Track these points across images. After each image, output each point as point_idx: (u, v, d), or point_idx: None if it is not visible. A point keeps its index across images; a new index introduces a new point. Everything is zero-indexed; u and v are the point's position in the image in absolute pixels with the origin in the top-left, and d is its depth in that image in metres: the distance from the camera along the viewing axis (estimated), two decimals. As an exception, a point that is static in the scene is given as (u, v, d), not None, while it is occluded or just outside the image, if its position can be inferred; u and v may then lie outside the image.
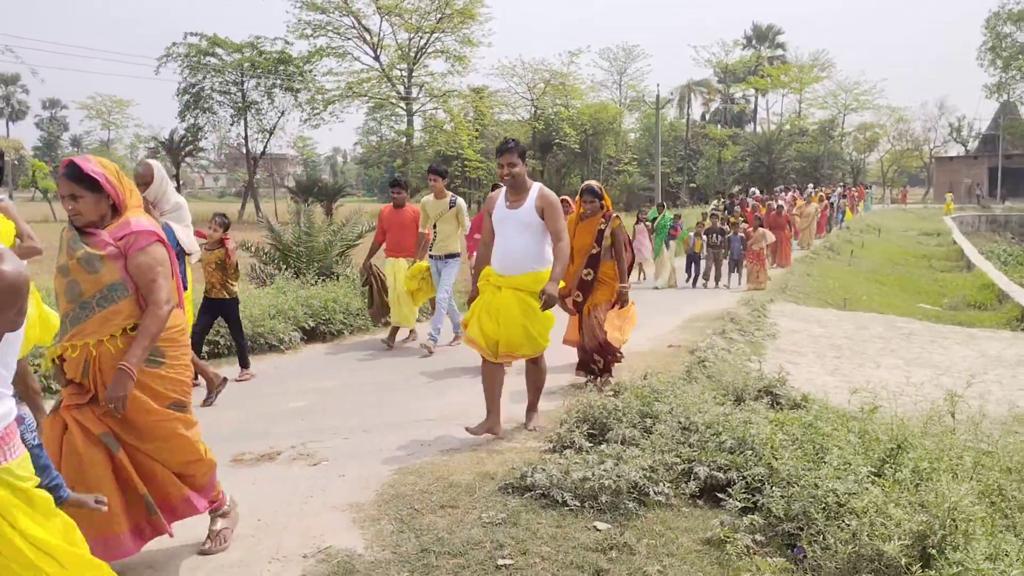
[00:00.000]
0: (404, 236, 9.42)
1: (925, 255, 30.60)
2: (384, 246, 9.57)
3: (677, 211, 21.65)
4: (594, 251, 7.23)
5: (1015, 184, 59.72)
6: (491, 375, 5.67)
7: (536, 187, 5.69)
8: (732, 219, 18.86)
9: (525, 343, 5.58)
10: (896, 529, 3.45)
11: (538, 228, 5.58)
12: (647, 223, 17.76)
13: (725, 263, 17.37)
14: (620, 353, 7.47)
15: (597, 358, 7.30)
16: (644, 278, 17.62)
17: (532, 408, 6.01)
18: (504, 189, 5.79)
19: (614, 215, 7.33)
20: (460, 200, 9.29)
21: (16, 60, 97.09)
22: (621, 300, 7.35)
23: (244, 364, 7.90)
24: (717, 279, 17.16)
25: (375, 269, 9.72)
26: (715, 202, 26.89)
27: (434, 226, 9.30)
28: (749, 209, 22.55)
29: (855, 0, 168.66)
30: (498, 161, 5.68)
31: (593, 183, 7.44)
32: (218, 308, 7.66)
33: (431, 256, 9.29)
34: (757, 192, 30.28)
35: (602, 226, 7.23)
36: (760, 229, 16.93)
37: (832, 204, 31.56)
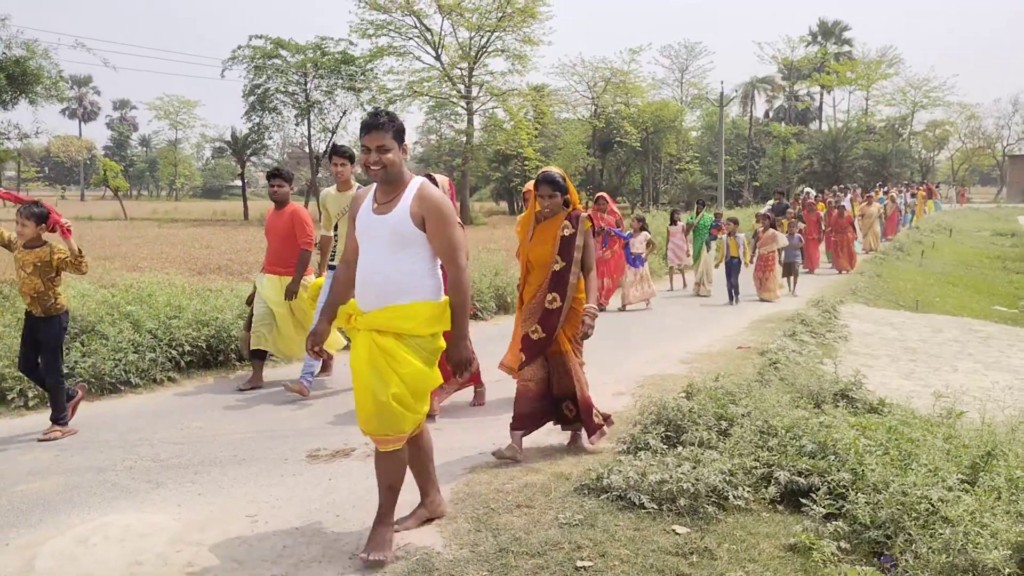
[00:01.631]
0: (283, 246, 7.34)
1: (999, 256, 29.55)
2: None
3: (718, 209, 19.48)
4: (557, 266, 5.23)
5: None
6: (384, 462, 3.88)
7: (415, 182, 3.88)
8: (785, 220, 17.08)
9: (374, 417, 3.72)
10: (993, 540, 3.33)
11: (416, 242, 3.80)
12: (683, 224, 16.05)
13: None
14: (606, 419, 5.51)
15: (572, 406, 5.38)
16: (684, 286, 16.01)
17: (424, 494, 4.27)
18: (374, 186, 3.99)
19: (584, 214, 5.32)
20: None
21: (88, 53, 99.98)
22: (585, 330, 5.20)
23: (58, 415, 5.80)
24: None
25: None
26: (772, 201, 25.80)
27: (335, 227, 7.18)
28: (806, 210, 20.66)
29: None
30: (362, 143, 3.87)
31: (553, 170, 5.34)
32: (33, 329, 5.76)
33: (331, 267, 7.04)
34: (811, 192, 28.99)
35: (567, 231, 5.24)
36: (770, 231, 14.64)
37: (899, 207, 30.37)
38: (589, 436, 5.41)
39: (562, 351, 5.27)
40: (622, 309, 12.78)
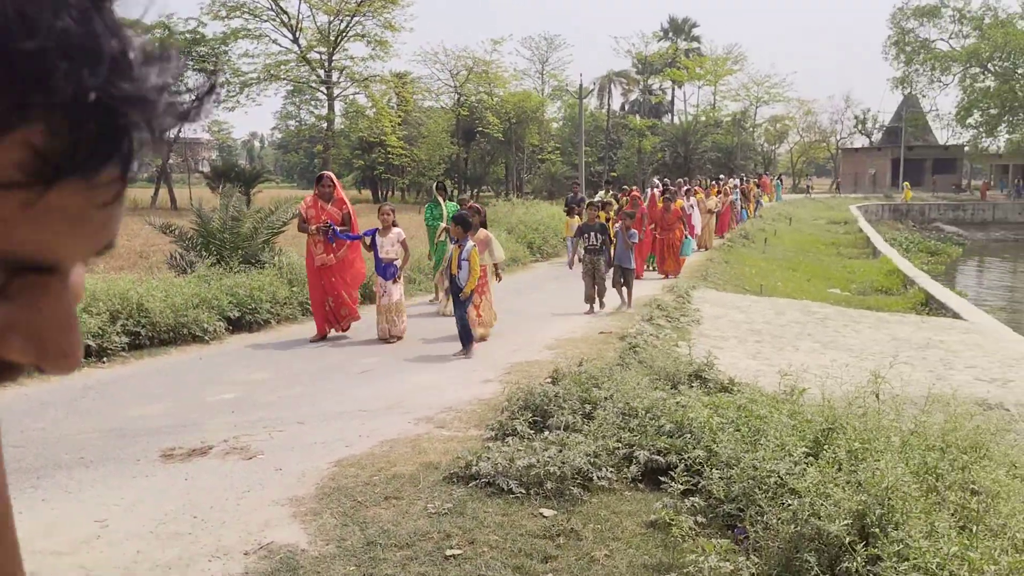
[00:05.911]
0: None
1: (834, 243, 31.68)
2: None
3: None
4: None
5: (916, 175, 62.30)
6: None
7: None
8: (602, 213, 12.07)
9: None
10: (836, 509, 3.56)
11: None
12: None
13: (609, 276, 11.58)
14: None
15: None
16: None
17: None
18: None
19: None
20: None
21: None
22: None
23: None
24: (601, 296, 11.36)
25: None
26: (601, 192, 21.09)
27: None
28: (630, 203, 15.82)
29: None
30: None
31: None
32: None
33: None
34: (656, 182, 24.77)
35: None
36: (482, 231, 9.66)
37: (733, 202, 28.18)
38: None
39: None
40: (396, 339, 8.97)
